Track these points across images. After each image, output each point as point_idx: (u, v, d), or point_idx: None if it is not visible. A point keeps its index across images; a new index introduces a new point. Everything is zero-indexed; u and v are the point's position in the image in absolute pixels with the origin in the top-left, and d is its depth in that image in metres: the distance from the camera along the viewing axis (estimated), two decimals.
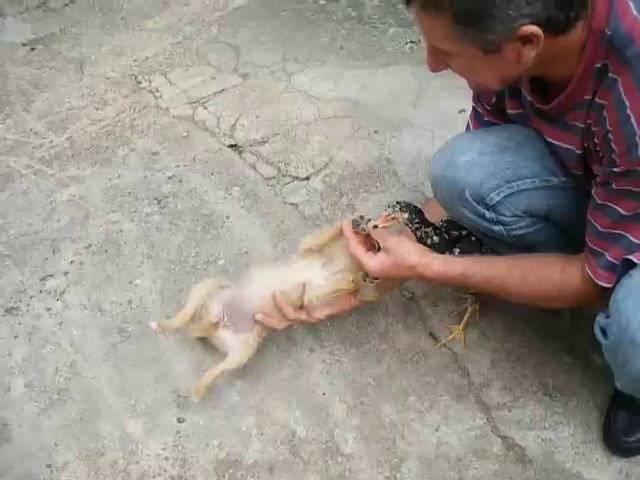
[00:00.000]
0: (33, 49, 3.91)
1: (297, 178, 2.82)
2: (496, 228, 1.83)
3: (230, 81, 3.46)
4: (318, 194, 2.72)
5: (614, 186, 1.40)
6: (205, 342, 2.16)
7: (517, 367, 2.05)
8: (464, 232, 1.98)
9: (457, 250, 1.94)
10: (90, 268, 2.51)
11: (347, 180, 2.76)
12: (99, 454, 1.95)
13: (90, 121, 3.30)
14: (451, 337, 2.13)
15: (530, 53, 1.34)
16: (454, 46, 1.38)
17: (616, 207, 1.41)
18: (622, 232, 1.43)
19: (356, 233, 1.83)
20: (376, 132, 2.98)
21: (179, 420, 2.01)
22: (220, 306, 1.98)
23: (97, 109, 3.37)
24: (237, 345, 1.97)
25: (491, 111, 1.88)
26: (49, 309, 2.37)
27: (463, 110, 2.83)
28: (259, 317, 1.94)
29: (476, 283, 1.75)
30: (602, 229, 1.47)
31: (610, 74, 1.35)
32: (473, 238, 1.97)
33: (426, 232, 1.92)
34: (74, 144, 3.15)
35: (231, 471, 1.88)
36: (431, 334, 2.16)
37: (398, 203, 1.90)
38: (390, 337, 2.16)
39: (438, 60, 1.48)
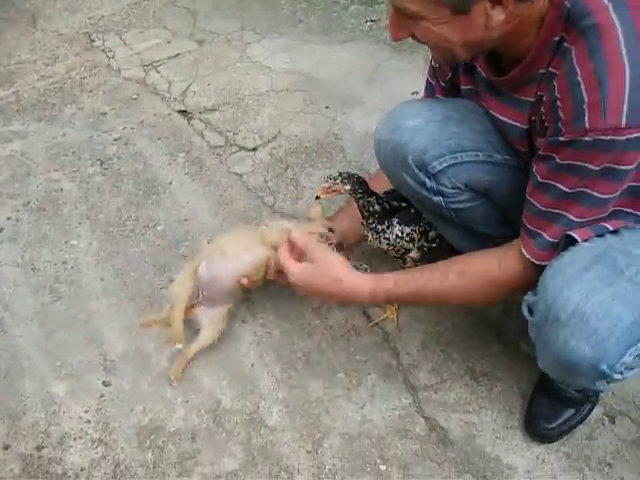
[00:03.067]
0: None
1: (244, 148, 2.80)
2: (436, 199, 1.82)
3: (185, 46, 3.42)
4: (264, 165, 2.70)
5: (558, 160, 1.38)
6: (137, 306, 2.17)
7: (446, 350, 2.06)
8: (404, 204, 1.98)
9: (395, 220, 1.94)
10: (26, 226, 2.47)
11: (294, 154, 2.75)
12: (20, 413, 1.92)
13: (39, 77, 3.24)
14: (384, 317, 2.13)
15: (499, 16, 1.31)
16: (422, 6, 1.33)
17: (558, 184, 1.41)
18: (562, 211, 1.43)
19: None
20: (327, 108, 2.97)
21: (105, 384, 1.99)
22: (196, 289, 1.97)
23: (47, 65, 3.32)
24: (209, 321, 1.99)
25: (445, 87, 1.87)
26: None
27: (416, 92, 2.82)
28: (244, 281, 1.95)
29: (411, 293, 1.68)
30: (543, 208, 1.46)
31: (565, 44, 1.34)
32: (412, 210, 1.97)
33: (369, 201, 1.90)
34: (20, 99, 3.10)
35: (153, 437, 1.87)
36: (364, 313, 2.16)
37: (340, 175, 1.88)
38: (323, 313, 2.16)
39: (402, 27, 1.42)
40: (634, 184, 1.40)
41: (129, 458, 1.83)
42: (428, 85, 1.95)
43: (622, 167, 1.33)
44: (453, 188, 1.80)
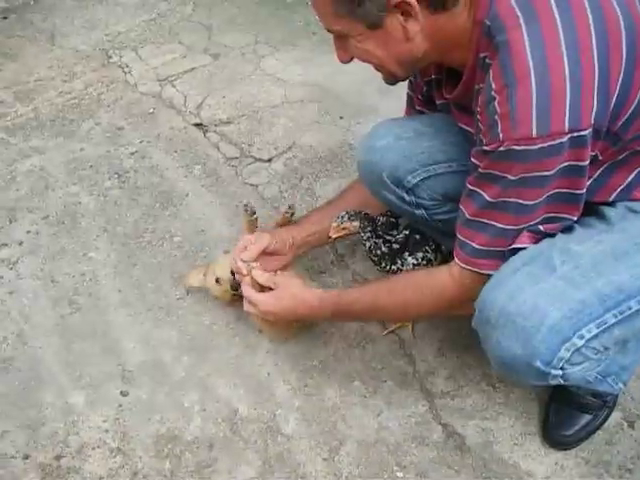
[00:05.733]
0: (5, 18, 3.89)
1: (259, 160, 2.81)
2: (418, 212, 1.91)
3: (200, 60, 3.46)
4: (279, 176, 2.72)
5: (480, 169, 1.41)
6: (154, 317, 2.20)
7: (462, 357, 2.05)
8: (407, 232, 2.01)
9: (407, 253, 1.98)
10: (45, 239, 2.50)
11: (309, 164, 2.76)
12: (39, 424, 1.94)
13: (57, 93, 3.28)
14: (400, 324, 2.13)
15: (414, 27, 1.36)
16: (341, 25, 1.40)
17: (482, 193, 1.43)
18: (488, 221, 1.45)
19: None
20: (341, 118, 2.98)
21: (122, 393, 2.00)
22: None
23: (65, 81, 3.36)
24: None
25: (423, 100, 1.90)
26: (1, 277, 2.35)
27: None
28: None
29: (351, 306, 1.75)
30: (470, 217, 1.48)
31: (487, 60, 1.37)
32: (417, 236, 2.01)
33: (376, 243, 1.97)
34: (39, 115, 3.13)
35: (170, 446, 1.88)
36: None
37: (347, 213, 1.95)
38: (339, 322, 2.16)
39: (341, 48, 1.50)
40: (562, 190, 1.39)
41: (147, 467, 1.84)
42: (408, 98, 1.99)
43: (542, 173, 1.34)
44: (432, 200, 1.89)
